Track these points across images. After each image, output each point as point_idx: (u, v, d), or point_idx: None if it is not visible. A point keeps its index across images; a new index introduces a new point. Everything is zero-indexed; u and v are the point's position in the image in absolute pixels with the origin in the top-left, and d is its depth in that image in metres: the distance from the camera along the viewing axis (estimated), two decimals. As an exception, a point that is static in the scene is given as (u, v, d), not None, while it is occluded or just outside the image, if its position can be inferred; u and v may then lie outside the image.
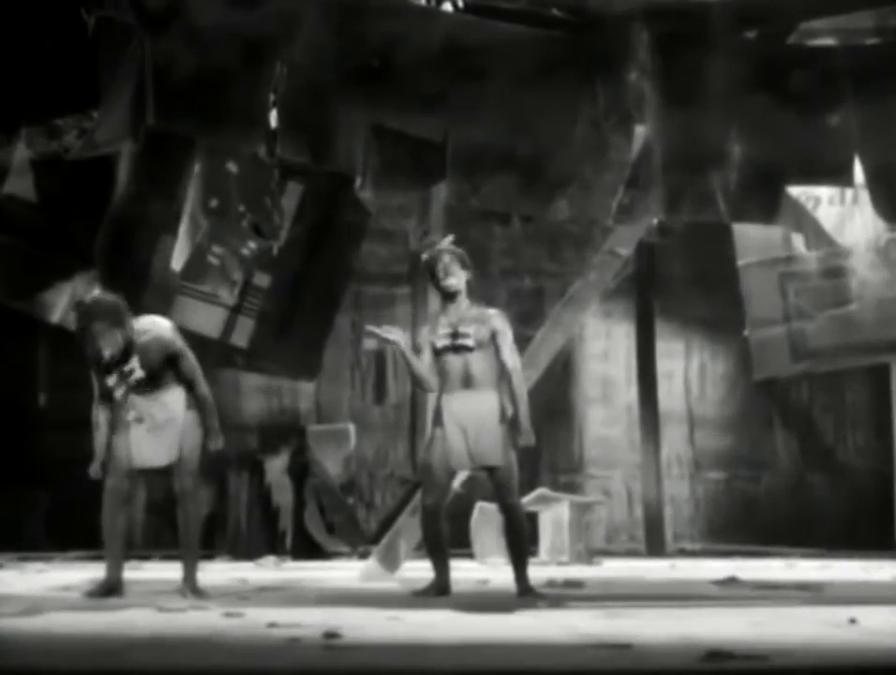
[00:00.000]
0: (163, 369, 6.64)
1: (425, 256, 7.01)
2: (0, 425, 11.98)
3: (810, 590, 7.22)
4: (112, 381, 6.61)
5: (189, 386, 6.67)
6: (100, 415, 6.72)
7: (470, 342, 6.80)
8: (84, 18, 7.18)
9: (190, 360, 6.72)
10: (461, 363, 6.82)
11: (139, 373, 6.60)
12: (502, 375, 6.86)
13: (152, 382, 6.64)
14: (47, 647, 4.51)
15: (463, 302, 6.92)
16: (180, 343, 6.73)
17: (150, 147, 7.88)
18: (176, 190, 9.22)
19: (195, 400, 6.68)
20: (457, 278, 6.89)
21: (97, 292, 6.87)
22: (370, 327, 7.12)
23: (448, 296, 6.93)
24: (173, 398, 6.67)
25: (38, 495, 12.14)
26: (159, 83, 7.04)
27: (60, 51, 7.58)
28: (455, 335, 6.82)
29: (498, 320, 6.90)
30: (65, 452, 11.20)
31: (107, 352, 6.49)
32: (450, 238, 7.05)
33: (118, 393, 6.62)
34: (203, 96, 7.19)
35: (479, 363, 6.82)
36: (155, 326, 6.71)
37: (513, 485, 6.84)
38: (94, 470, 6.70)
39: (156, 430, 6.62)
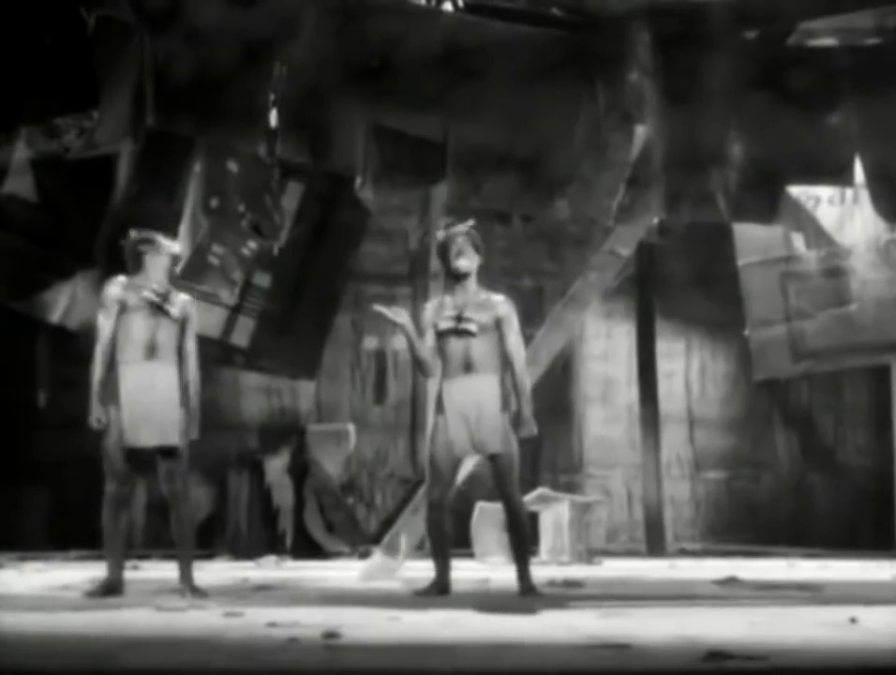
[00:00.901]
0: (172, 310, 6.71)
1: (441, 235, 6.95)
2: (-1, 424, 11.97)
3: (810, 590, 7.21)
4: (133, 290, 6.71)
5: (182, 361, 6.73)
6: (98, 363, 6.70)
7: (473, 327, 6.76)
8: (84, 17, 7.18)
9: (193, 337, 6.82)
10: (463, 347, 6.78)
11: (163, 288, 6.75)
12: (505, 362, 6.82)
13: (152, 346, 6.66)
14: (47, 647, 4.51)
15: (471, 286, 6.88)
16: (196, 317, 6.91)
17: (150, 147, 7.87)
18: (176, 190, 9.23)
19: (182, 377, 6.70)
20: (469, 261, 6.86)
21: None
22: (378, 307, 7.05)
23: (457, 278, 6.90)
24: (168, 380, 6.68)
25: (38, 494, 12.12)
26: (159, 83, 7.05)
27: (60, 50, 7.58)
28: (459, 318, 6.78)
29: (504, 307, 6.86)
30: (64, 452, 11.23)
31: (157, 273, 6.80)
32: (469, 222, 6.99)
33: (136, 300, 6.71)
34: (203, 95, 7.19)
35: (481, 348, 6.77)
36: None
37: (514, 475, 6.79)
38: (94, 419, 6.65)
39: (149, 410, 6.61)
